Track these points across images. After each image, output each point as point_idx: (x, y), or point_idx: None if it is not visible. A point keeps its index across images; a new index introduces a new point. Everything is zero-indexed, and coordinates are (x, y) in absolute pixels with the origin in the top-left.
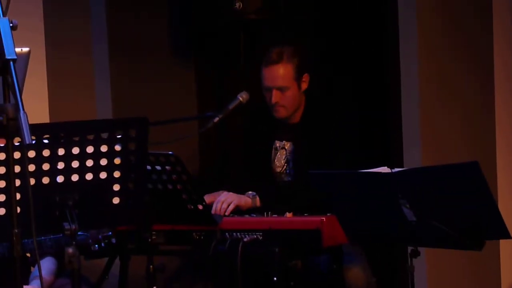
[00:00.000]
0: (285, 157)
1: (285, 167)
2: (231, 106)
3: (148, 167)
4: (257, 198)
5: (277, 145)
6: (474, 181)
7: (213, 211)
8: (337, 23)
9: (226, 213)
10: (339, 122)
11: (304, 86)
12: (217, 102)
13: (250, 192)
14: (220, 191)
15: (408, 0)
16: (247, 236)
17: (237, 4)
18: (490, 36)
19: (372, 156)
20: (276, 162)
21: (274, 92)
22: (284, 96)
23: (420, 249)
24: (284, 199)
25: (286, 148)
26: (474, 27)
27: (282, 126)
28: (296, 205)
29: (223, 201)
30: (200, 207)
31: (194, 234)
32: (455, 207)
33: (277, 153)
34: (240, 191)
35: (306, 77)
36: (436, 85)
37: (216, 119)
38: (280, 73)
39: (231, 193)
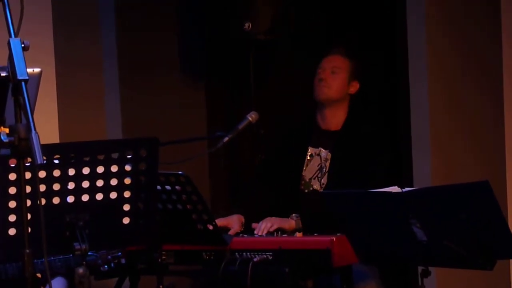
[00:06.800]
0: (318, 164)
1: (316, 173)
2: (240, 126)
3: (158, 187)
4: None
5: (312, 152)
6: (484, 200)
7: (256, 232)
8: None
9: (270, 230)
10: (379, 139)
11: (352, 90)
12: (226, 121)
13: (294, 214)
14: (233, 215)
15: (416, 12)
16: (257, 256)
17: (246, 25)
18: (499, 48)
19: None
20: (308, 169)
21: (327, 70)
22: (333, 77)
23: (431, 268)
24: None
25: (321, 155)
26: (482, 40)
27: (319, 133)
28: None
29: (266, 222)
30: (210, 227)
31: (204, 254)
32: (466, 226)
33: (311, 160)
34: (255, 210)
35: (356, 84)
36: (445, 99)
37: (226, 139)
38: (338, 60)
39: (274, 217)
